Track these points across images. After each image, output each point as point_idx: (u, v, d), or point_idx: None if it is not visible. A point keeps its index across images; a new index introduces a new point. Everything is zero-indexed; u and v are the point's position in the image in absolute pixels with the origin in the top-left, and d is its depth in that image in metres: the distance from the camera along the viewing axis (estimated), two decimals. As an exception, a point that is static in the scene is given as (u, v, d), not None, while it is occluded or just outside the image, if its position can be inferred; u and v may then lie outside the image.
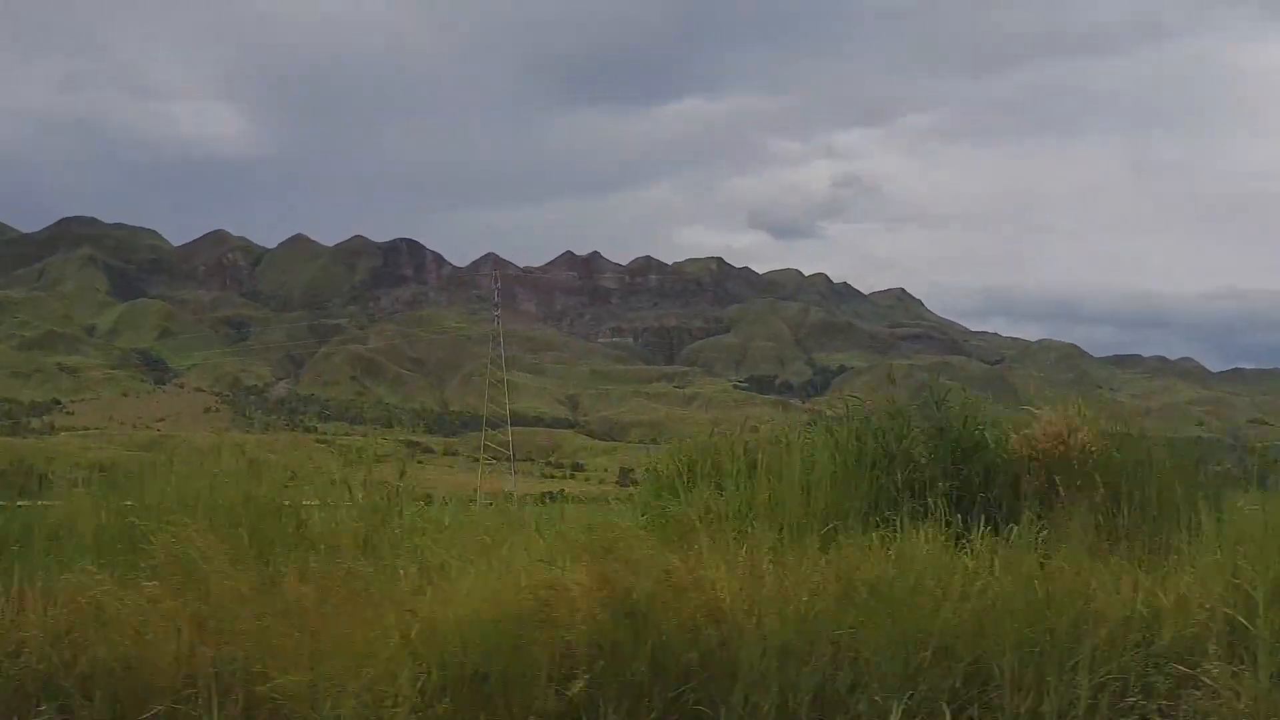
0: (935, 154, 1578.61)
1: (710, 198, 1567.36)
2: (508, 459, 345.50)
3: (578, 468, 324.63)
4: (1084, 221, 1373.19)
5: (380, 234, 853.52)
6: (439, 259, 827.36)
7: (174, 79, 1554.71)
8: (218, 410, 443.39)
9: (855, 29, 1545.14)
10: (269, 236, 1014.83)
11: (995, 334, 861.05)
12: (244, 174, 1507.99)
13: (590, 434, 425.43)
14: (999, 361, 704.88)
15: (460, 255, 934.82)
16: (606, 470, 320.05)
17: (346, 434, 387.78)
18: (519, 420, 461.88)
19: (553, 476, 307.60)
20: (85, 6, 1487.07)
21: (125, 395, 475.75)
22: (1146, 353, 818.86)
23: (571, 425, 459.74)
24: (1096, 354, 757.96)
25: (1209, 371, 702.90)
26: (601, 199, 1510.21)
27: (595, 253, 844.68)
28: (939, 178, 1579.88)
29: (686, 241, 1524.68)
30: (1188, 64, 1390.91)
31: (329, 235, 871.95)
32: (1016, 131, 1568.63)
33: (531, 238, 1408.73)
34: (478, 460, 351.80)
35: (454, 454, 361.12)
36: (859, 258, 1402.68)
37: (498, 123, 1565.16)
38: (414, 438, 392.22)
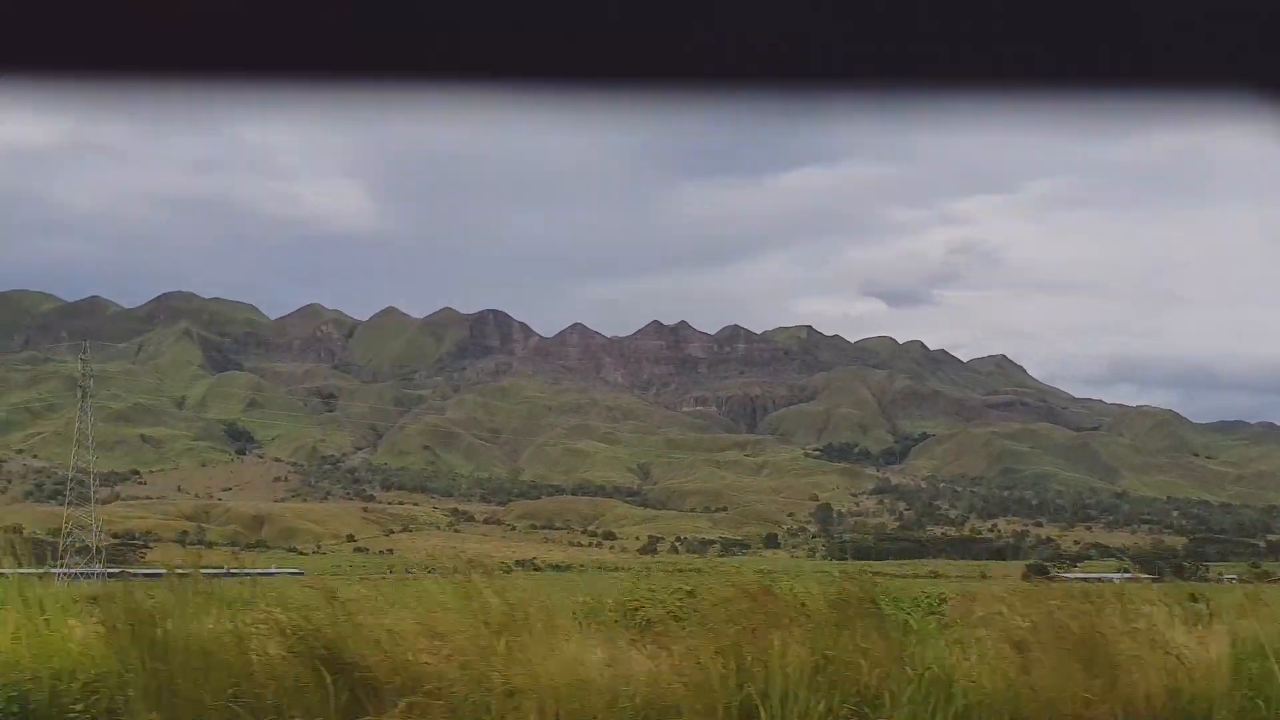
0: (1058, 220, 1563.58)
1: (824, 267, 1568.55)
2: (541, 527, 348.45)
3: (609, 536, 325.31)
4: (1214, 289, 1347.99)
5: (478, 306, 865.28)
6: (525, 329, 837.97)
7: (296, 160, 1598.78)
8: (286, 479, 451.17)
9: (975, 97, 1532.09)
10: (362, 309, 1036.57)
11: (1099, 400, 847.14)
12: (346, 249, 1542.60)
13: (644, 503, 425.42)
14: (1095, 428, 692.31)
15: (551, 326, 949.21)
16: (636, 539, 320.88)
17: (399, 503, 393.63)
18: (585, 489, 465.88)
19: (579, 545, 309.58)
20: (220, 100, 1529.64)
21: (203, 465, 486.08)
22: (1254, 419, 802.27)
23: (634, 494, 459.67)
24: (1197, 420, 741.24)
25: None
26: (714, 270, 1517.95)
27: (683, 322, 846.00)
28: (1061, 244, 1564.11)
29: (800, 310, 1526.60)
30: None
31: (428, 308, 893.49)
32: (1143, 198, 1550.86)
33: (626, 310, 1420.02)
34: (514, 528, 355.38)
35: (495, 522, 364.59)
36: (974, 326, 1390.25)
37: (603, 202, 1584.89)
38: (465, 506, 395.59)
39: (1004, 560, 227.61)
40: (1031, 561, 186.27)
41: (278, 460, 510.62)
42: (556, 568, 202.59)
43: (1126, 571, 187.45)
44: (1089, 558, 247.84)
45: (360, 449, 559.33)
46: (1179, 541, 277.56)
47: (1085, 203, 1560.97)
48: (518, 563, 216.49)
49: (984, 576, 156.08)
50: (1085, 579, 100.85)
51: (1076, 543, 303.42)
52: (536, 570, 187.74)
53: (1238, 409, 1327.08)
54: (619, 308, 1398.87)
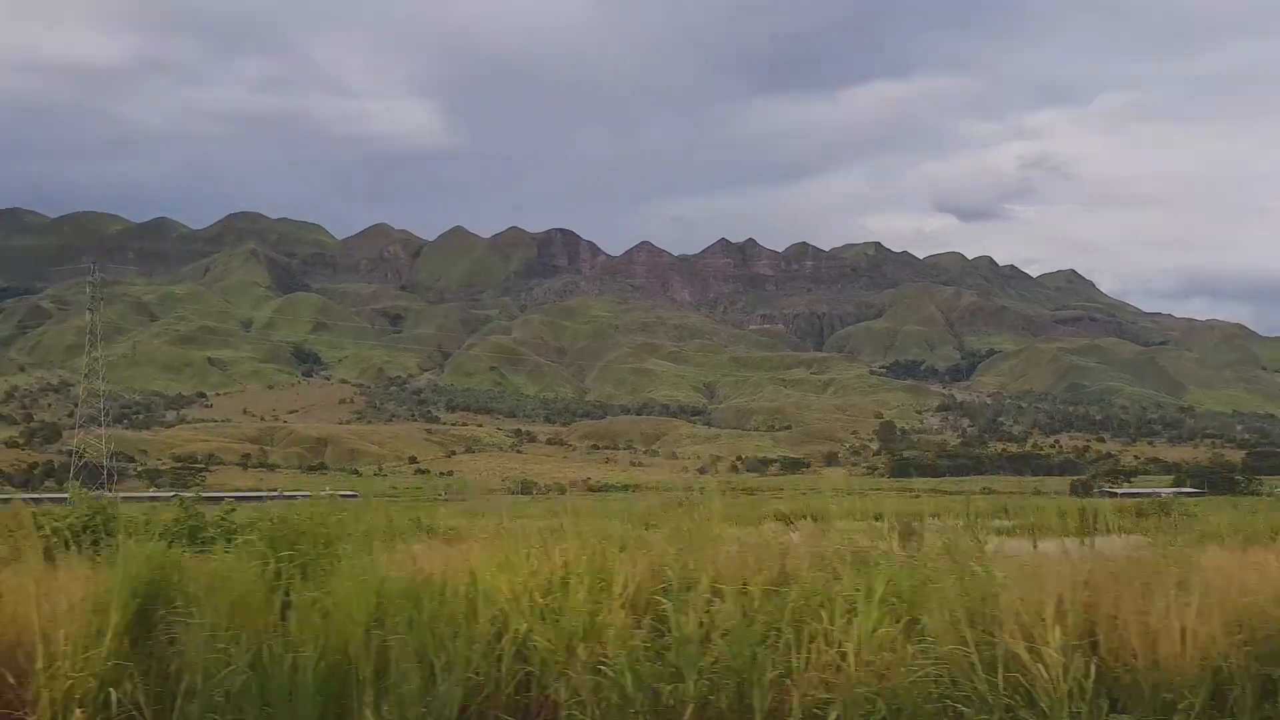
0: (1132, 134, 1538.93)
1: (897, 182, 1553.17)
2: (604, 447, 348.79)
3: (671, 455, 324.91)
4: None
5: (546, 225, 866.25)
6: (593, 248, 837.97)
7: (366, 79, 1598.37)
8: (352, 401, 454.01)
9: (1047, 9, 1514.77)
10: (430, 229, 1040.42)
11: (1169, 315, 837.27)
12: (413, 167, 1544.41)
13: (708, 422, 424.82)
14: (1162, 343, 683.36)
15: (619, 245, 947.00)
16: (697, 458, 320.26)
17: (463, 424, 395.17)
18: (649, 409, 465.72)
19: (639, 465, 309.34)
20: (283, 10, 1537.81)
21: (270, 388, 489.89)
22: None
23: (699, 413, 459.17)
24: (1268, 334, 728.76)
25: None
26: (784, 187, 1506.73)
27: (750, 239, 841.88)
28: (1135, 158, 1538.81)
29: (871, 226, 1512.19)
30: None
31: (495, 227, 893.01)
32: (1220, 110, 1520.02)
33: (694, 228, 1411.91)
34: (576, 448, 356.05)
35: (558, 443, 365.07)
36: (1046, 241, 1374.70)
37: (675, 117, 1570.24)
38: (529, 426, 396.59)
39: (1062, 476, 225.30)
40: (1077, 478, 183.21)
41: (344, 382, 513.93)
42: (613, 487, 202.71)
43: (1180, 486, 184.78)
44: (1146, 473, 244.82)
45: (426, 370, 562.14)
46: (1237, 456, 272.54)
47: (1160, 115, 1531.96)
48: (572, 483, 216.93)
49: (1037, 492, 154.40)
50: (1134, 494, 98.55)
51: (1137, 458, 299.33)
52: (592, 491, 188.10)
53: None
54: (687, 225, 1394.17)
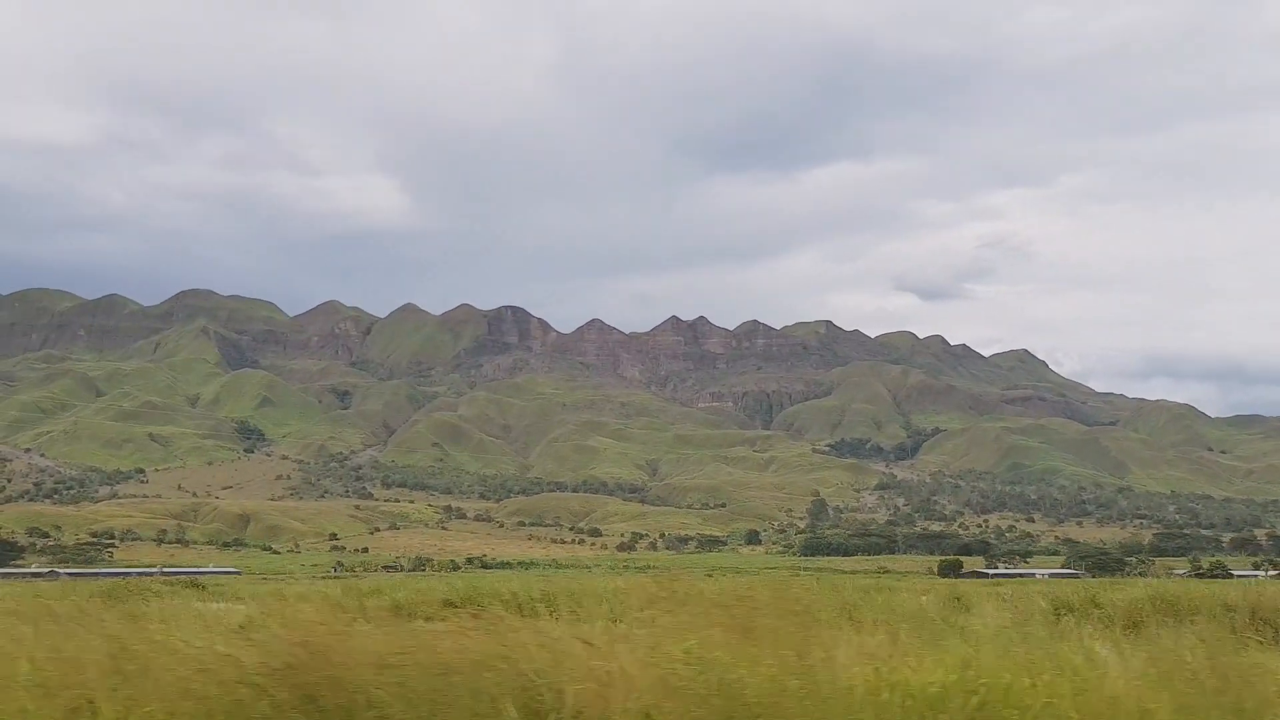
0: (1091, 215, 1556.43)
1: (856, 262, 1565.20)
2: (530, 524, 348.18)
3: (595, 533, 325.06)
4: (1250, 282, 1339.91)
5: (497, 302, 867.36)
6: (544, 325, 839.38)
7: (328, 155, 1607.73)
8: (289, 478, 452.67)
9: (1007, 93, 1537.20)
10: (381, 306, 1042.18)
11: (1121, 395, 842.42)
12: (368, 245, 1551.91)
13: (643, 500, 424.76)
14: (1111, 423, 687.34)
15: (571, 323, 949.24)
16: (621, 535, 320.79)
17: (395, 501, 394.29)
18: (590, 486, 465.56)
19: (561, 541, 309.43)
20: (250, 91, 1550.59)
21: (209, 463, 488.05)
22: (1273, 412, 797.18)
23: (637, 490, 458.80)
24: (1226, 414, 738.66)
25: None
26: (742, 265, 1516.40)
27: (701, 317, 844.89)
28: (1095, 239, 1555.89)
29: (832, 303, 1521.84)
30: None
31: (446, 304, 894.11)
32: (1176, 192, 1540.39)
33: (647, 306, 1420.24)
34: (502, 524, 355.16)
35: (485, 519, 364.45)
36: (1004, 321, 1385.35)
37: (637, 196, 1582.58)
38: (461, 503, 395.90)
39: (971, 555, 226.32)
40: (945, 558, 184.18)
41: (285, 458, 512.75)
42: (506, 565, 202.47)
43: (1070, 567, 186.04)
44: (1056, 553, 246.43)
45: (370, 446, 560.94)
46: (1146, 536, 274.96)
47: (1119, 196, 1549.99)
48: (468, 560, 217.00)
49: (884, 571, 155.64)
50: (1007, 574, 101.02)
51: (1057, 538, 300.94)
52: (484, 568, 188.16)
53: (1265, 402, 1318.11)
54: (644, 300, 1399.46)
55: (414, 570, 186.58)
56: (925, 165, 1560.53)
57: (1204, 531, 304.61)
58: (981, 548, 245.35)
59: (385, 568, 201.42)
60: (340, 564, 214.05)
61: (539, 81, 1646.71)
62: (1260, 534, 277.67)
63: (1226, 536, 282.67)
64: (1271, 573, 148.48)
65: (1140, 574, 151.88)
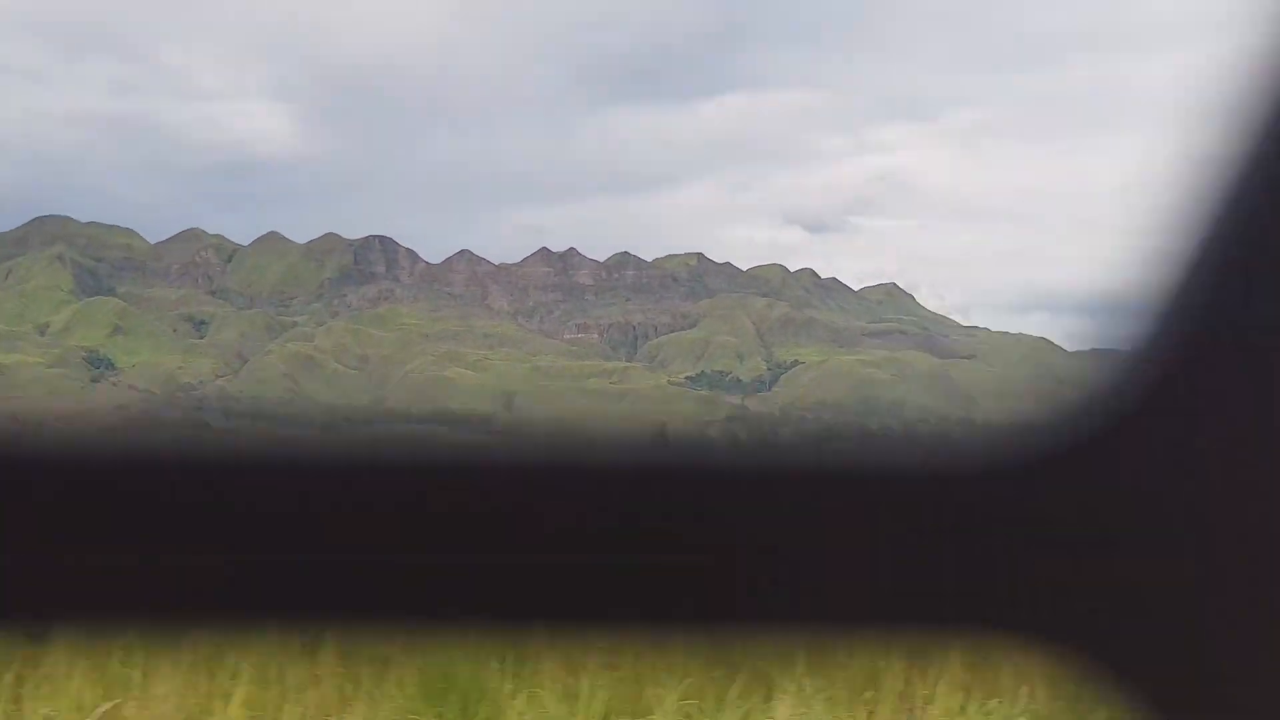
0: (980, 150, 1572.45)
1: (748, 194, 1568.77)
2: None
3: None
4: (1130, 218, 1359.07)
5: (365, 231, 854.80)
6: (412, 255, 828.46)
7: (218, 84, 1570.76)
8: (129, 407, 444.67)
9: (899, 26, 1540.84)
10: (245, 235, 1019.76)
11: (986, 329, 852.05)
12: (250, 173, 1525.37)
13: (489, 432, 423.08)
14: (970, 356, 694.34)
15: (440, 253, 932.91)
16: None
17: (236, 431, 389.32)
18: (445, 418, 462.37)
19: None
20: (135, 11, 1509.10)
21: (51, 393, 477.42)
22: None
23: (486, 422, 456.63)
24: (1075, 347, 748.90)
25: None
26: (635, 196, 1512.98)
27: (572, 249, 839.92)
28: (982, 175, 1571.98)
29: (720, 236, 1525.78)
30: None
31: (312, 233, 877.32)
32: (1063, 128, 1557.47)
33: (530, 237, 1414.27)
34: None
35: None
36: (890, 253, 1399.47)
37: (531, 125, 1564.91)
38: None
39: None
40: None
41: (132, 388, 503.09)
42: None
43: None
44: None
45: (221, 376, 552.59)
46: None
47: (1005, 131, 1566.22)
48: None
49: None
50: None
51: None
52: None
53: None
54: (520, 235, 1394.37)
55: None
56: (820, 98, 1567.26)
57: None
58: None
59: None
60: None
61: (442, 5, 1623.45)
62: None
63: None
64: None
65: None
